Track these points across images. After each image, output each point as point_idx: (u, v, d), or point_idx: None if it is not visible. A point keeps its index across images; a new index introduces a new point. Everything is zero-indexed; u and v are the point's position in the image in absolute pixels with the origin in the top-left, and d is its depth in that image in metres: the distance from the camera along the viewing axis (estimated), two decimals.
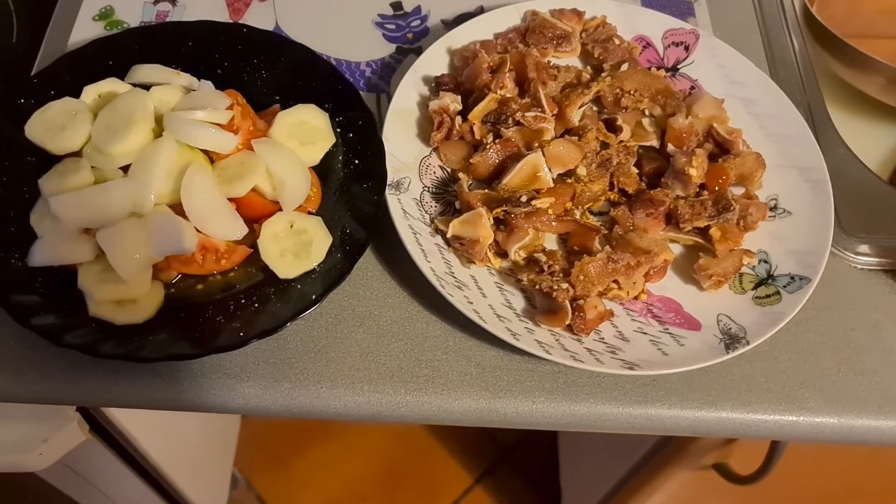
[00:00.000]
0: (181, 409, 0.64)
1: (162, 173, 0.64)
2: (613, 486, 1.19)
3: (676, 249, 0.72)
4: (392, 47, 0.83)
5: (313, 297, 0.63)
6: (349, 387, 0.65)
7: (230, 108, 0.69)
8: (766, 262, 0.70)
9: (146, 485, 1.14)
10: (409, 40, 0.84)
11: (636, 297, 0.68)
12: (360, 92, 0.79)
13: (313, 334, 0.66)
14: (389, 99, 0.75)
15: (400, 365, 0.65)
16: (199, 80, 0.72)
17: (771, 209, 0.73)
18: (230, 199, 0.66)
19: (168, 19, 0.83)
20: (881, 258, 0.73)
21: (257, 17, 0.84)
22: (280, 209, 0.67)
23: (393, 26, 0.85)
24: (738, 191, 0.74)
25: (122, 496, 1.15)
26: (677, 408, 0.65)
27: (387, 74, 0.81)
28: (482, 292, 0.66)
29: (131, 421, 1.02)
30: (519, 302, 0.67)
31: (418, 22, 0.85)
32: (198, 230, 0.64)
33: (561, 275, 0.65)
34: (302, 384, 0.64)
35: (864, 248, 0.74)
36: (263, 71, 0.75)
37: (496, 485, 1.68)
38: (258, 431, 1.70)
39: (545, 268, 0.66)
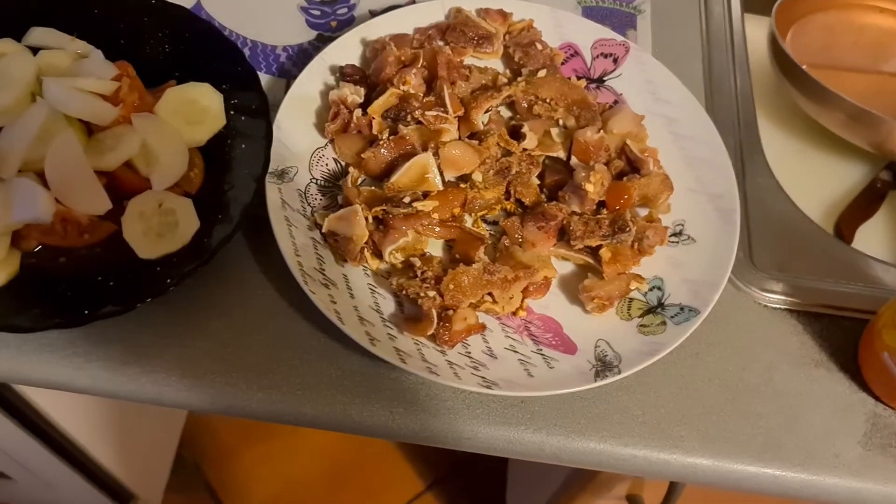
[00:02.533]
0: (25, 383, 0.62)
1: (29, 138, 0.62)
2: None
3: (568, 267, 0.68)
4: (313, 34, 0.81)
5: (167, 282, 0.60)
6: (200, 377, 0.62)
7: (117, 78, 0.67)
8: (659, 289, 0.67)
9: (60, 459, 1.12)
10: (332, 28, 0.81)
11: (514, 313, 0.64)
12: (271, 76, 0.77)
13: (172, 319, 0.64)
14: None
15: (258, 360, 0.63)
16: (94, 47, 0.70)
17: (675, 235, 0.70)
18: (103, 173, 0.64)
19: None
20: (788, 297, 0.70)
21: None
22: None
23: (318, 12, 0.82)
24: (644, 213, 0.71)
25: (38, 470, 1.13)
26: (543, 433, 0.62)
27: (302, 61, 0.78)
28: (350, 292, 0.63)
29: (42, 397, 1.00)
30: (389, 306, 0.64)
31: (345, 10, 0.83)
32: (58, 201, 0.61)
33: (433, 282, 0.62)
34: (153, 370, 0.62)
35: (771, 284, 0.70)
36: (167, 45, 0.73)
37: (444, 497, 1.64)
38: (211, 417, 1.68)
39: (418, 273, 0.63)
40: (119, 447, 1.29)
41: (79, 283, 0.62)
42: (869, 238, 0.84)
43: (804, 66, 0.85)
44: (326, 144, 0.71)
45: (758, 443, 0.63)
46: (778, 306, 0.70)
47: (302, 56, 0.79)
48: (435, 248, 0.68)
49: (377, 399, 0.62)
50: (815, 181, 0.90)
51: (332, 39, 0.80)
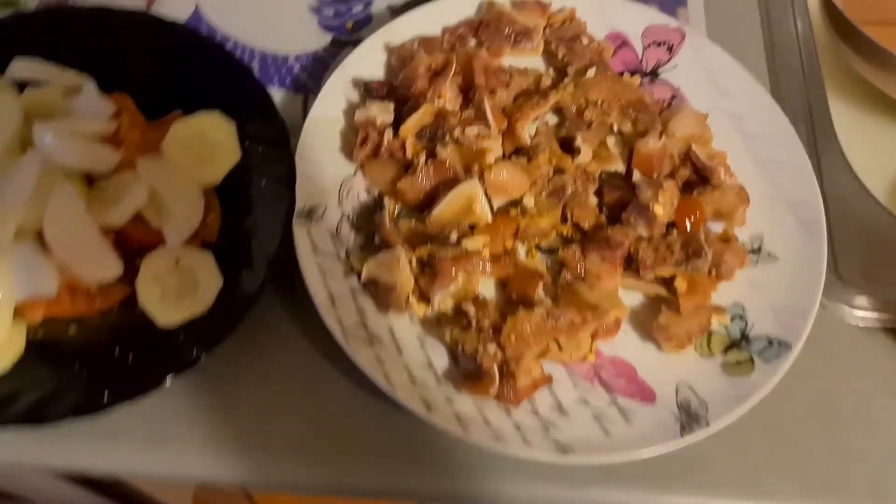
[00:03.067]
0: (43, 469, 0.56)
1: (23, 197, 0.54)
2: None
3: (636, 298, 0.61)
4: (327, 38, 0.72)
5: (194, 352, 0.53)
6: (240, 455, 0.56)
7: (116, 115, 0.59)
8: (741, 317, 0.59)
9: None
10: (348, 30, 0.72)
11: (582, 359, 0.57)
12: (286, 92, 0.69)
13: (199, 388, 0.57)
14: None
15: (300, 431, 0.56)
16: (86, 75, 0.62)
17: (753, 251, 0.62)
18: (107, 230, 0.56)
19: (71, 1, 0.72)
20: (882, 313, 0.62)
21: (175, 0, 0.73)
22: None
23: (332, 12, 0.73)
24: (717, 226, 0.63)
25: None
26: (622, 491, 0.56)
27: (317, 72, 0.70)
28: (398, 348, 0.56)
29: None
30: (442, 360, 0.57)
31: (361, 7, 0.74)
32: (63, 269, 0.54)
33: (490, 332, 0.55)
34: (185, 450, 0.55)
35: (861, 300, 0.62)
36: (167, 70, 0.64)
37: None
38: None
39: (473, 322, 0.56)
40: None
41: (94, 359, 0.55)
42: None
43: (860, 25, 0.75)
44: (356, 172, 0.63)
45: (862, 488, 0.56)
46: (871, 325, 0.62)
47: (318, 65, 0.70)
48: (487, 288, 0.60)
49: (436, 466, 0.55)
50: (883, 157, 0.81)
51: (349, 43, 0.71)
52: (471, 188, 0.58)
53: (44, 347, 0.55)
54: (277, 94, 0.69)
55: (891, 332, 0.62)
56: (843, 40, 0.80)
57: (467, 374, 0.55)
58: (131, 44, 0.64)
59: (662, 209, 0.58)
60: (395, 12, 0.73)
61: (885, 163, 0.79)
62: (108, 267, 0.55)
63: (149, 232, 0.57)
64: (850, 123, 0.80)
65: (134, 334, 0.56)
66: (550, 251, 0.62)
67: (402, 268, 0.56)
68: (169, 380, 0.52)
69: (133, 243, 0.57)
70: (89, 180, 0.58)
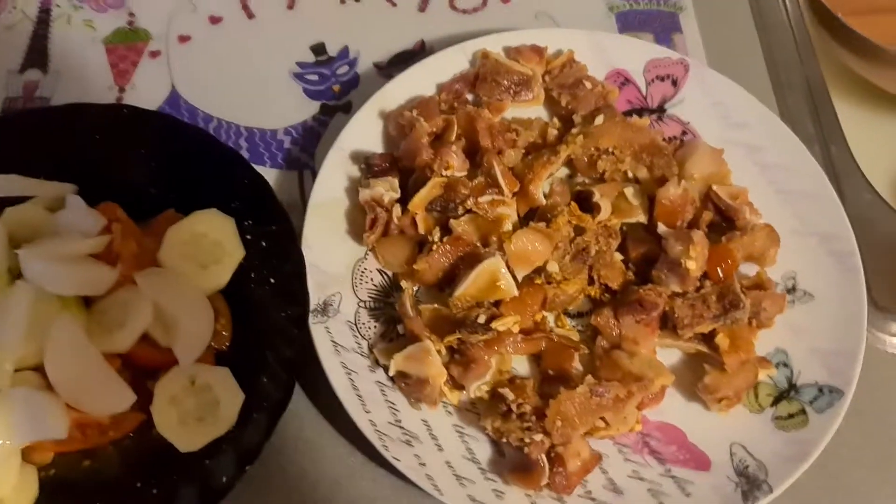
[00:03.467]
0: None
1: (19, 332, 0.50)
2: None
3: (675, 355, 0.59)
4: (315, 105, 0.68)
5: (224, 479, 0.50)
6: None
7: (107, 228, 0.55)
8: (785, 364, 0.57)
9: None
10: (336, 94, 0.69)
11: (629, 430, 0.55)
12: (278, 170, 0.65)
13: None
14: (314, 176, 0.60)
15: None
16: (68, 184, 0.58)
17: (788, 291, 0.60)
18: (114, 355, 0.52)
19: (38, 93, 0.67)
20: None
21: (149, 80, 0.68)
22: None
23: (315, 77, 0.69)
24: (747, 268, 0.60)
25: None
26: None
27: (310, 144, 0.66)
28: (437, 444, 0.53)
29: None
30: (484, 450, 0.54)
31: (346, 68, 0.70)
32: (69, 405, 0.50)
33: (533, 417, 0.52)
34: None
35: None
36: (152, 163, 0.60)
37: None
38: None
39: (513, 408, 0.53)
40: None
41: (113, 495, 0.51)
42: None
43: (839, 14, 0.73)
44: (367, 254, 0.60)
45: None
46: None
47: (309, 136, 0.67)
48: (519, 362, 0.58)
49: None
50: (887, 154, 0.79)
51: (338, 109, 0.68)
52: (494, 265, 0.55)
53: (59, 487, 0.52)
54: (270, 174, 0.65)
55: None
56: (830, 34, 0.78)
57: (514, 464, 0.52)
58: (110, 141, 0.60)
59: (695, 263, 0.55)
60: (382, 69, 0.70)
61: (892, 160, 0.77)
62: (118, 398, 0.51)
63: (158, 352, 0.53)
64: (855, 127, 0.78)
65: (154, 464, 0.52)
66: (580, 314, 0.60)
67: (432, 360, 0.53)
68: None
69: (142, 365, 0.53)
70: (86, 300, 0.54)
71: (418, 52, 0.70)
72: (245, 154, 0.65)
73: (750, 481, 0.52)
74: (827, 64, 0.77)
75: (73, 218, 0.55)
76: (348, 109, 0.66)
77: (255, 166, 0.63)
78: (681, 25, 0.73)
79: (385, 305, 0.58)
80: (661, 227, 0.58)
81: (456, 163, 0.59)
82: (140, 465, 0.52)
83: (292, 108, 0.67)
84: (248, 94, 0.68)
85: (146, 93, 0.67)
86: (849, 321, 0.57)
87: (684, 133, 0.66)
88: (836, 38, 0.78)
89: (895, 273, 0.63)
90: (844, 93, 0.77)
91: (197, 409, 0.52)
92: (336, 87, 0.69)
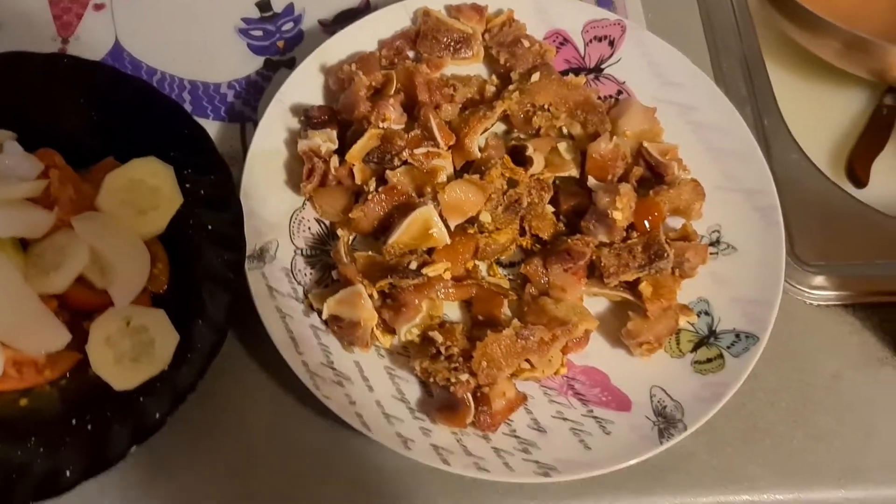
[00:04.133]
0: None
1: None
2: None
3: (602, 304, 0.61)
4: (259, 60, 0.69)
5: (157, 415, 0.51)
6: None
7: (44, 173, 0.56)
8: (707, 313, 0.60)
9: None
10: (280, 50, 0.69)
11: (555, 373, 0.57)
12: (221, 122, 0.66)
13: (165, 450, 0.55)
14: (256, 129, 0.61)
15: (274, 483, 0.55)
16: (7, 131, 0.58)
17: (713, 244, 0.62)
18: (50, 296, 0.53)
19: None
20: (840, 290, 0.63)
21: (92, 31, 0.69)
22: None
23: (260, 32, 0.70)
24: (674, 221, 0.63)
25: None
26: (607, 499, 0.56)
27: (253, 97, 0.67)
28: (368, 384, 0.55)
29: None
30: (414, 391, 0.56)
31: (291, 25, 0.71)
32: (4, 344, 0.51)
33: (460, 359, 0.54)
34: None
35: (820, 279, 0.63)
36: (92, 113, 0.61)
37: None
38: None
39: (441, 350, 0.55)
40: None
41: (49, 433, 0.52)
42: (885, 174, 0.77)
43: None
44: (305, 204, 0.61)
45: (837, 467, 0.58)
46: (830, 303, 0.63)
47: (252, 90, 0.67)
48: (451, 309, 0.59)
49: (423, 499, 0.55)
50: (819, 121, 0.82)
51: (282, 64, 0.69)
52: (426, 213, 0.56)
53: None
54: (213, 126, 0.66)
55: (848, 308, 0.63)
56: (776, 8, 0.80)
57: (441, 404, 0.54)
58: (51, 90, 0.60)
59: (621, 214, 0.57)
60: (327, 26, 0.71)
61: (823, 127, 0.80)
62: (54, 337, 0.52)
63: (94, 294, 0.54)
64: (789, 92, 0.80)
65: (90, 401, 0.53)
66: (512, 265, 0.61)
67: (364, 304, 0.55)
68: (134, 448, 0.50)
69: (78, 307, 0.54)
70: (23, 244, 0.55)
71: (363, 10, 0.71)
72: (188, 107, 0.66)
73: (667, 420, 0.55)
74: (764, 32, 0.79)
75: (10, 163, 0.55)
76: (292, 65, 0.67)
77: (198, 118, 0.64)
78: None
79: (321, 253, 0.60)
80: (592, 181, 0.60)
81: (393, 115, 0.60)
82: (77, 403, 0.53)
83: (236, 63, 0.68)
84: (193, 48, 0.69)
85: (90, 45, 0.68)
86: (768, 272, 0.59)
87: (619, 92, 0.68)
88: (778, 8, 0.80)
89: (816, 229, 0.66)
90: (780, 59, 0.79)
91: (132, 350, 0.53)
92: (280, 43, 0.70)
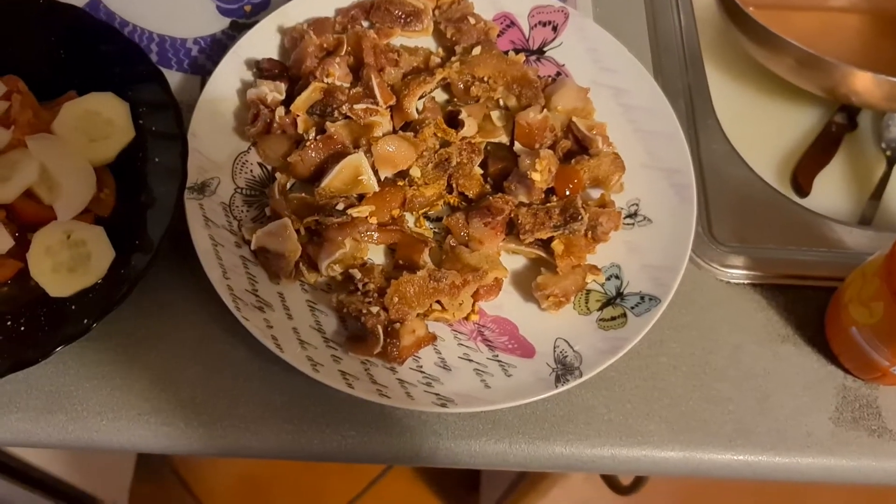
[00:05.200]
0: None
1: None
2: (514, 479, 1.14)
3: (519, 262, 0.64)
4: (226, 21, 0.74)
5: (85, 321, 0.55)
6: (134, 419, 0.57)
7: (6, 96, 0.60)
8: (617, 277, 0.63)
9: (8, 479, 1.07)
10: (247, 14, 0.74)
11: (466, 318, 0.60)
12: (184, 74, 0.71)
13: (97, 357, 0.59)
14: None
15: (193, 394, 0.58)
16: None
17: (630, 216, 0.66)
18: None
19: None
20: (751, 270, 0.67)
21: None
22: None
23: None
24: (597, 193, 0.67)
25: None
26: (505, 442, 0.59)
27: (216, 54, 0.72)
28: (288, 313, 0.59)
29: None
30: (331, 324, 0.59)
31: None
32: None
33: (375, 295, 0.58)
34: (79, 416, 0.57)
35: (733, 259, 0.67)
36: (61, 52, 0.66)
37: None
38: None
39: (359, 287, 0.58)
40: (73, 456, 1.23)
41: None
42: (826, 186, 0.82)
43: (750, 9, 0.80)
44: (249, 149, 0.65)
45: (728, 430, 0.60)
46: (740, 281, 0.67)
47: (216, 48, 0.72)
48: (377, 255, 0.63)
49: (327, 424, 0.58)
50: (768, 132, 0.86)
51: (247, 27, 0.73)
52: (357, 160, 0.61)
53: None
54: (176, 76, 0.70)
55: (757, 287, 0.67)
56: (735, 23, 0.84)
57: (353, 334, 0.58)
58: (23, 26, 0.65)
59: (540, 176, 0.61)
60: None
61: (764, 137, 0.84)
62: None
63: (40, 208, 0.58)
64: (734, 101, 0.85)
65: (26, 306, 0.57)
66: (438, 219, 0.65)
67: (289, 235, 0.58)
68: (60, 349, 0.53)
69: (25, 219, 0.59)
70: None
71: None
72: (154, 57, 0.71)
73: (565, 368, 0.58)
74: (708, 40, 0.84)
75: None
76: None
77: (162, 68, 0.69)
78: None
79: (260, 195, 0.64)
80: (518, 146, 0.65)
81: (338, 73, 0.65)
82: (13, 307, 0.57)
83: (204, 22, 0.73)
84: (165, 5, 0.73)
85: None
86: (677, 242, 0.63)
87: (558, 74, 0.72)
88: (738, 26, 0.84)
89: (736, 214, 0.69)
90: (721, 70, 0.85)
91: (70, 261, 0.57)
92: (248, 7, 0.75)
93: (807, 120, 0.87)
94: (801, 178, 0.85)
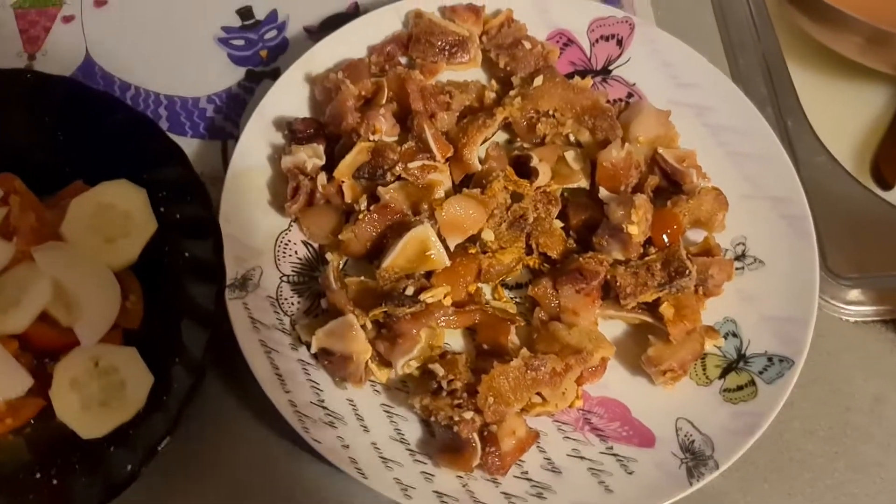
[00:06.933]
0: None
1: None
2: None
3: (619, 328, 0.55)
4: (241, 72, 0.64)
5: (128, 468, 0.46)
6: None
7: (3, 199, 0.51)
8: (734, 334, 0.54)
9: None
10: (263, 60, 0.65)
11: (569, 406, 0.51)
12: (200, 140, 0.61)
13: (144, 499, 0.50)
14: None
15: None
16: None
17: (738, 258, 0.57)
18: (9, 336, 0.48)
19: None
20: (878, 305, 0.58)
21: (61, 45, 0.64)
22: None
23: (241, 42, 0.65)
24: (694, 234, 0.57)
25: None
26: None
27: (235, 112, 0.62)
28: (363, 425, 0.50)
29: None
30: (414, 430, 0.51)
31: (274, 32, 0.66)
32: None
33: (464, 394, 0.49)
34: None
35: (856, 293, 0.58)
36: (58, 132, 0.56)
37: None
38: None
39: (443, 385, 0.49)
40: None
41: (11, 489, 0.47)
42: None
43: None
44: (291, 226, 0.56)
45: (883, 501, 0.52)
46: (869, 319, 0.58)
47: (234, 104, 0.63)
48: (454, 337, 0.54)
49: None
50: (842, 120, 0.76)
51: (265, 75, 0.64)
52: (423, 233, 0.51)
53: None
54: (191, 144, 0.61)
55: (888, 323, 0.58)
56: (792, 3, 0.74)
57: (444, 445, 0.49)
58: (11, 109, 0.55)
59: (637, 228, 0.52)
60: (313, 33, 0.66)
61: (846, 126, 0.74)
62: (14, 382, 0.47)
63: (59, 333, 0.49)
64: (810, 91, 0.75)
65: (56, 451, 0.48)
66: (518, 286, 0.56)
67: (356, 335, 0.49)
68: None
69: (42, 347, 0.49)
70: None
71: (351, 15, 0.66)
72: (164, 124, 0.61)
73: (696, 457, 0.49)
74: (782, 26, 0.74)
75: None
76: (276, 76, 0.62)
77: (176, 136, 0.60)
78: None
79: (310, 280, 0.55)
80: (603, 192, 0.55)
81: (384, 126, 0.55)
82: (42, 454, 0.48)
83: (216, 75, 0.64)
84: (169, 60, 0.64)
85: (58, 60, 0.63)
86: (800, 288, 0.54)
87: (630, 95, 0.63)
88: (795, 5, 0.74)
89: (848, 238, 0.60)
90: (799, 56, 0.74)
91: (101, 393, 0.48)
92: (263, 53, 0.65)
93: (877, 103, 0.77)
94: (884, 169, 0.75)
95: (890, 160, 0.75)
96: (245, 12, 0.66)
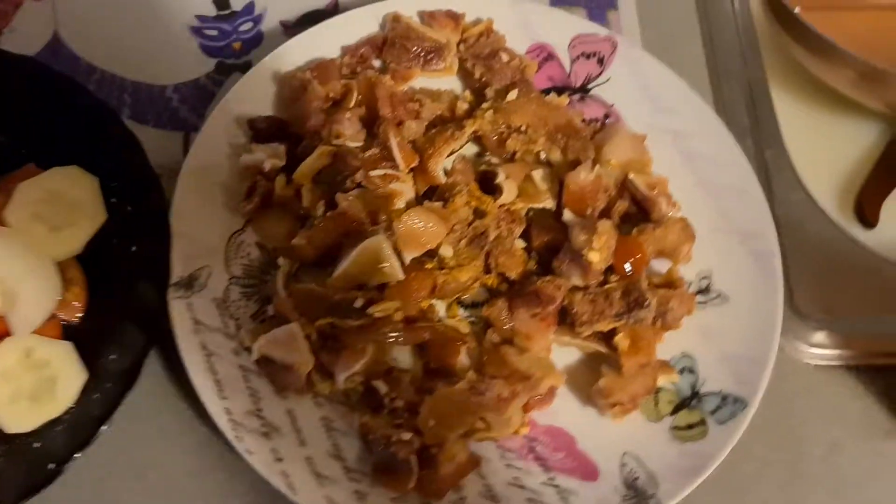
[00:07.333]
0: None
1: None
2: None
3: (573, 355, 0.54)
4: (211, 63, 0.63)
5: (52, 465, 0.44)
6: None
7: None
8: (691, 370, 0.53)
9: None
10: (236, 52, 0.63)
11: (514, 432, 0.50)
12: (162, 131, 0.59)
13: (70, 495, 0.48)
14: None
15: None
16: None
17: (701, 292, 0.55)
18: None
19: None
20: (843, 349, 0.57)
21: (30, 23, 0.63)
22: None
23: (215, 32, 0.64)
24: (659, 264, 0.56)
25: None
26: None
27: (200, 104, 0.60)
28: (300, 437, 0.48)
29: None
30: (353, 446, 0.49)
31: (250, 25, 0.64)
32: None
33: (406, 413, 0.48)
34: None
35: (820, 336, 0.56)
36: (11, 112, 0.54)
37: None
38: None
39: (385, 403, 0.48)
40: None
41: None
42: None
43: (797, 9, 0.68)
44: (245, 227, 0.54)
45: None
46: (831, 363, 0.57)
47: (200, 96, 0.61)
48: (402, 353, 0.53)
49: None
50: (826, 154, 0.74)
51: (237, 68, 0.62)
52: (376, 244, 0.50)
53: None
54: (152, 133, 0.59)
55: (851, 369, 0.56)
56: (786, 31, 0.73)
57: (381, 464, 0.48)
58: None
59: (598, 255, 0.51)
60: (289, 28, 0.64)
61: (830, 161, 0.72)
62: None
63: None
64: (794, 123, 0.73)
65: None
66: (475, 305, 0.55)
67: (299, 346, 0.48)
68: None
69: None
70: None
71: (330, 12, 0.64)
72: (127, 111, 0.60)
73: (637, 494, 0.48)
74: (771, 57, 0.72)
75: None
76: (247, 69, 0.60)
77: (138, 125, 0.59)
78: (617, 2, 0.68)
79: (260, 283, 0.53)
80: (567, 215, 0.54)
81: (349, 131, 0.54)
82: None
83: (185, 64, 0.62)
84: (139, 45, 0.62)
85: (25, 38, 0.61)
86: (762, 327, 0.53)
87: (607, 116, 0.61)
88: (788, 32, 0.73)
89: (819, 279, 0.59)
90: (787, 87, 0.72)
91: (31, 387, 0.47)
92: (237, 45, 0.63)
93: (864, 139, 0.75)
94: (867, 207, 0.73)
95: (874, 199, 0.74)
96: (221, 2, 0.64)
